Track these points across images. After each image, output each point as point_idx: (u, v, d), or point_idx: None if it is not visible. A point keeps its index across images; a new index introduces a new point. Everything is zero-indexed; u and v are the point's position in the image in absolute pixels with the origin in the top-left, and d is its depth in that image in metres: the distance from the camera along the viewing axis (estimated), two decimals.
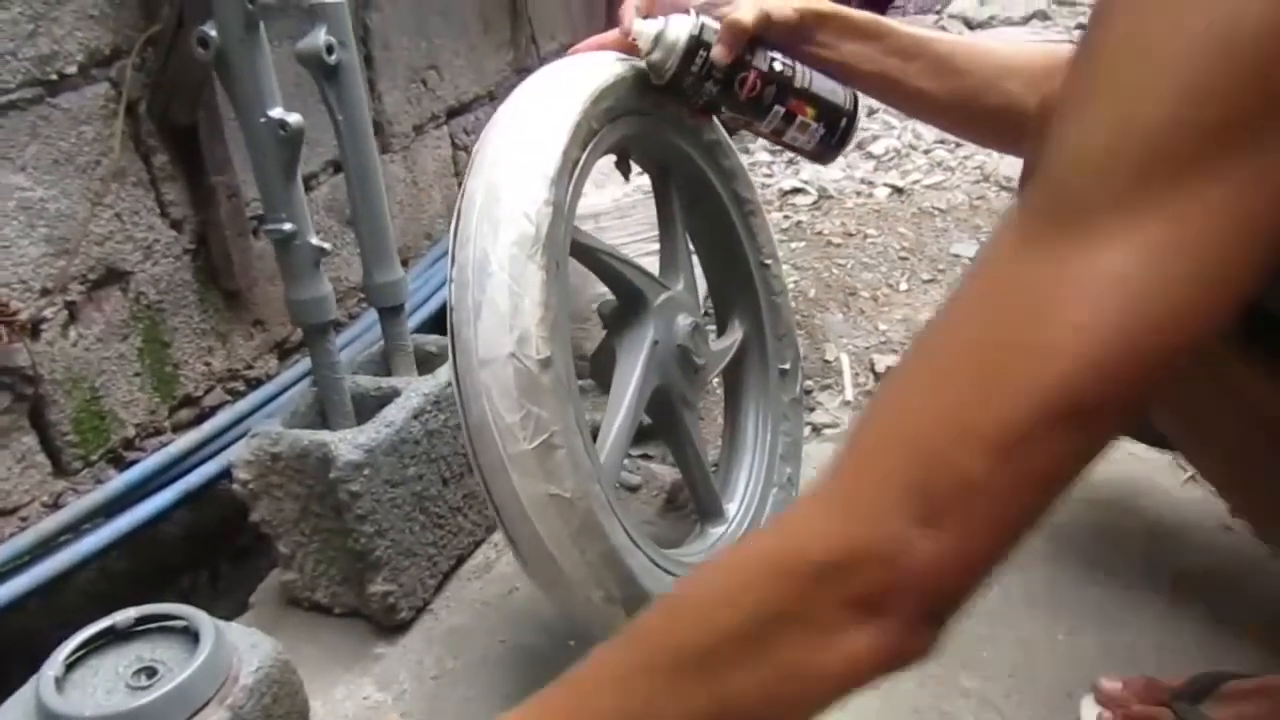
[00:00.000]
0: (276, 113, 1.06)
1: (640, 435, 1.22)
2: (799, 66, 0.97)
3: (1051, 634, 1.06)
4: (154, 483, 1.32)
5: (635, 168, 1.13)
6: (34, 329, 1.22)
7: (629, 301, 1.02)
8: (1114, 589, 1.12)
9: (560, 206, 0.84)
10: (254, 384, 1.56)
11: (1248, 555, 1.14)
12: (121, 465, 1.35)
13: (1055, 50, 0.94)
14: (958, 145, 2.37)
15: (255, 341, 1.58)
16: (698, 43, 0.93)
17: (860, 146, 2.41)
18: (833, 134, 1.00)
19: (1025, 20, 3.36)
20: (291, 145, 1.07)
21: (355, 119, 1.18)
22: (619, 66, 0.95)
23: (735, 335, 1.20)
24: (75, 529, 1.24)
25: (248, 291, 1.53)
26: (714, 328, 1.30)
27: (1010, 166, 2.25)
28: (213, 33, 1.03)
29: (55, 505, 1.26)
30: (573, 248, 0.92)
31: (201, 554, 1.48)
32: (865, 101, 2.72)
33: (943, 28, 3.33)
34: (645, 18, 0.95)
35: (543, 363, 0.80)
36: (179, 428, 1.44)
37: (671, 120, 1.05)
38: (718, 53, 0.93)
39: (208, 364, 1.49)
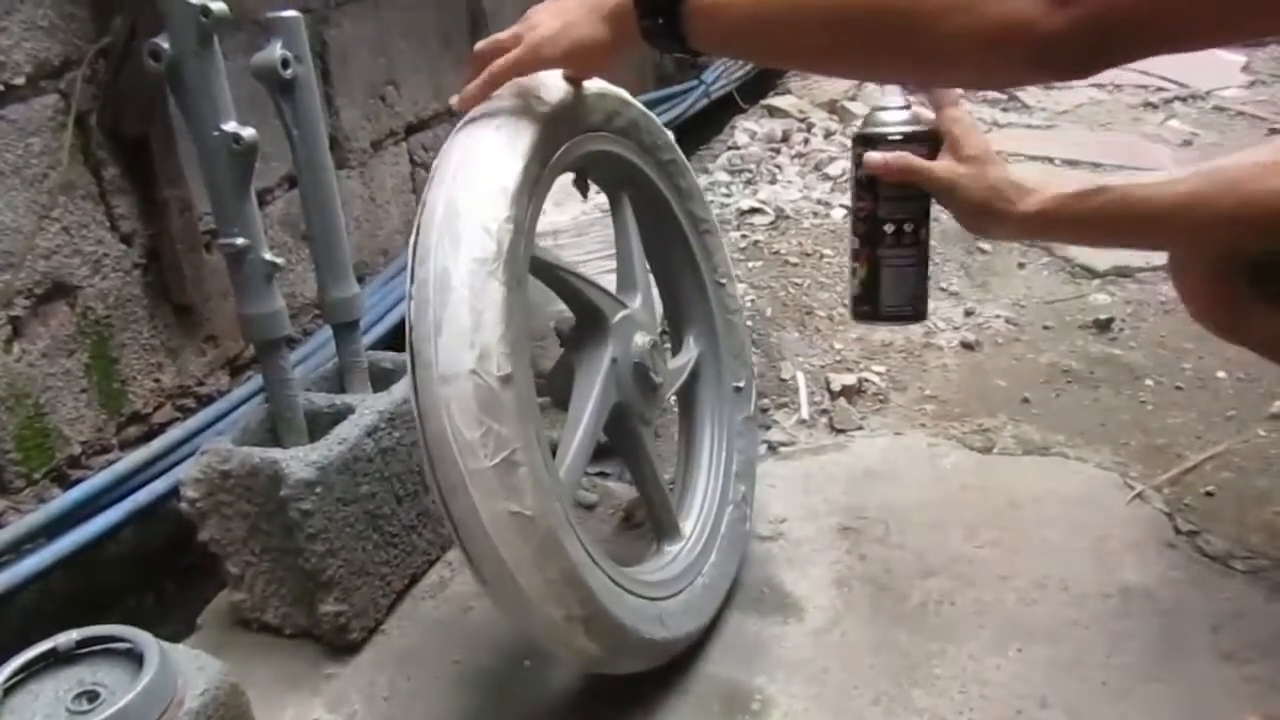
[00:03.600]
0: (230, 126, 1.04)
1: (597, 453, 1.22)
2: (908, 247, 0.95)
3: (1002, 650, 1.07)
4: (99, 501, 1.29)
5: (593, 186, 1.13)
6: None
7: (587, 319, 1.02)
8: (1062, 604, 1.13)
9: (521, 223, 0.84)
10: (205, 401, 1.53)
11: (1191, 570, 1.17)
12: (66, 483, 1.32)
13: None
14: None
15: (207, 358, 1.56)
16: (882, 139, 0.93)
17: (817, 168, 2.44)
18: (860, 304, 0.99)
19: None
20: (245, 159, 1.06)
21: (311, 134, 1.18)
22: (580, 85, 0.95)
23: (691, 353, 1.21)
24: (16, 549, 1.20)
25: (200, 307, 1.50)
26: (670, 346, 1.30)
27: None
28: (165, 45, 1.02)
29: None
30: (532, 264, 0.92)
31: (147, 574, 1.45)
32: (820, 123, 2.72)
33: None
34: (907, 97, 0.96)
35: (504, 379, 0.80)
36: (127, 445, 1.41)
37: (628, 140, 1.05)
38: (870, 161, 0.93)
39: (157, 380, 1.47)
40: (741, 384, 1.25)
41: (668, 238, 1.19)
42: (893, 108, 0.95)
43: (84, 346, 1.34)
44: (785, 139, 2.67)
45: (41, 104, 1.26)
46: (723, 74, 3.37)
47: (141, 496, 1.31)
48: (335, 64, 1.79)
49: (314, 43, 1.73)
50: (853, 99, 2.89)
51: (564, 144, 0.93)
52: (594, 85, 0.98)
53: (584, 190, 1.10)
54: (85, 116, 1.31)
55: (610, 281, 1.13)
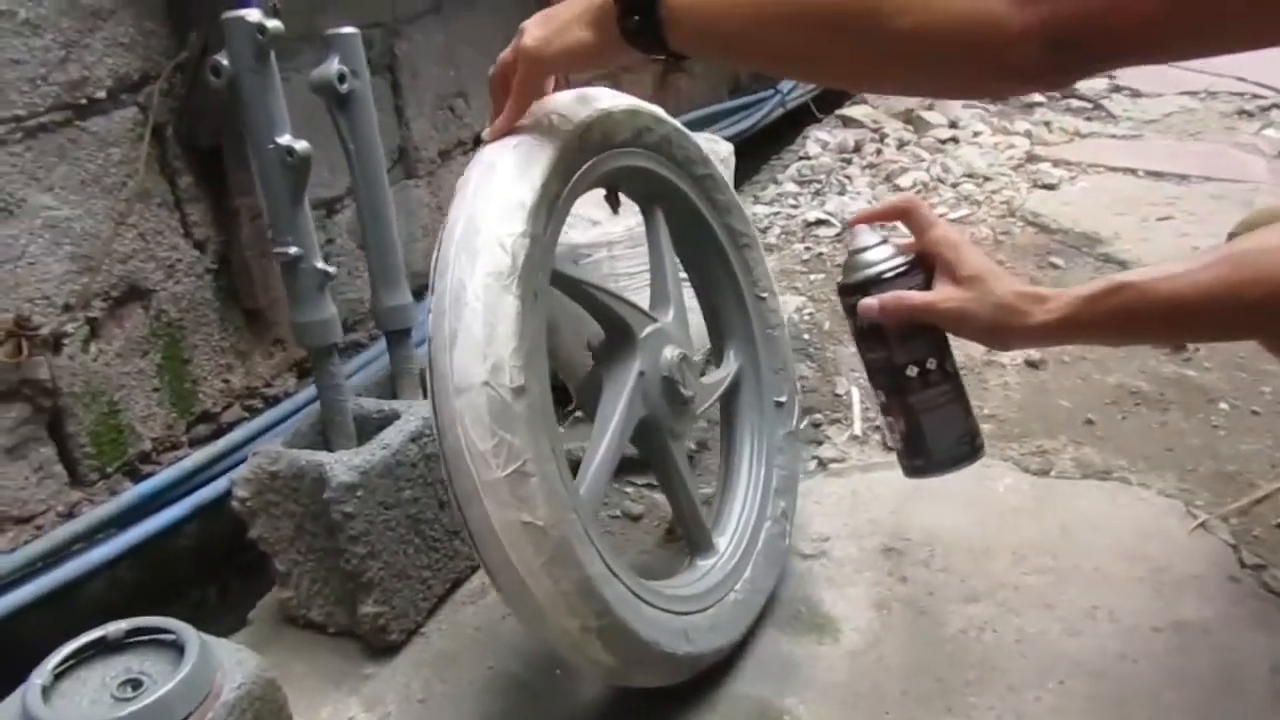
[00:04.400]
0: (284, 139, 1.08)
1: (644, 465, 1.22)
2: (939, 385, 0.88)
3: (1042, 682, 1.04)
4: (167, 496, 1.35)
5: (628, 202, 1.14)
6: (55, 343, 1.25)
7: (616, 334, 1.03)
8: (1110, 636, 1.09)
9: (538, 238, 0.85)
10: (272, 402, 1.59)
11: (1253, 606, 1.11)
12: (138, 478, 1.38)
13: None
14: (986, 179, 2.35)
15: (275, 360, 1.61)
16: (871, 283, 0.88)
17: (888, 179, 2.40)
18: (909, 458, 0.92)
19: None
20: (298, 171, 1.09)
21: (366, 147, 1.21)
22: (605, 101, 0.96)
23: (730, 368, 1.21)
24: (88, 538, 1.26)
25: (268, 311, 1.56)
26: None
27: (1037, 202, 2.23)
28: (225, 61, 1.06)
29: (71, 515, 1.29)
30: (558, 280, 0.93)
31: (212, 569, 1.51)
32: (894, 133, 2.69)
33: None
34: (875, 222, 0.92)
35: (516, 391, 0.81)
36: (196, 443, 1.47)
37: (660, 155, 1.05)
38: (864, 308, 0.87)
39: (226, 381, 1.52)
40: (783, 399, 1.24)
41: (705, 252, 1.19)
42: (871, 246, 0.89)
43: (157, 347, 1.40)
44: (857, 149, 2.63)
45: (121, 116, 1.32)
46: (799, 84, 3.35)
47: (206, 493, 1.36)
48: (405, 77, 1.84)
49: (384, 56, 1.78)
50: (929, 108, 2.84)
51: (588, 160, 0.94)
52: (623, 102, 0.99)
53: (614, 205, 1.11)
54: (162, 128, 1.37)
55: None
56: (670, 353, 1.04)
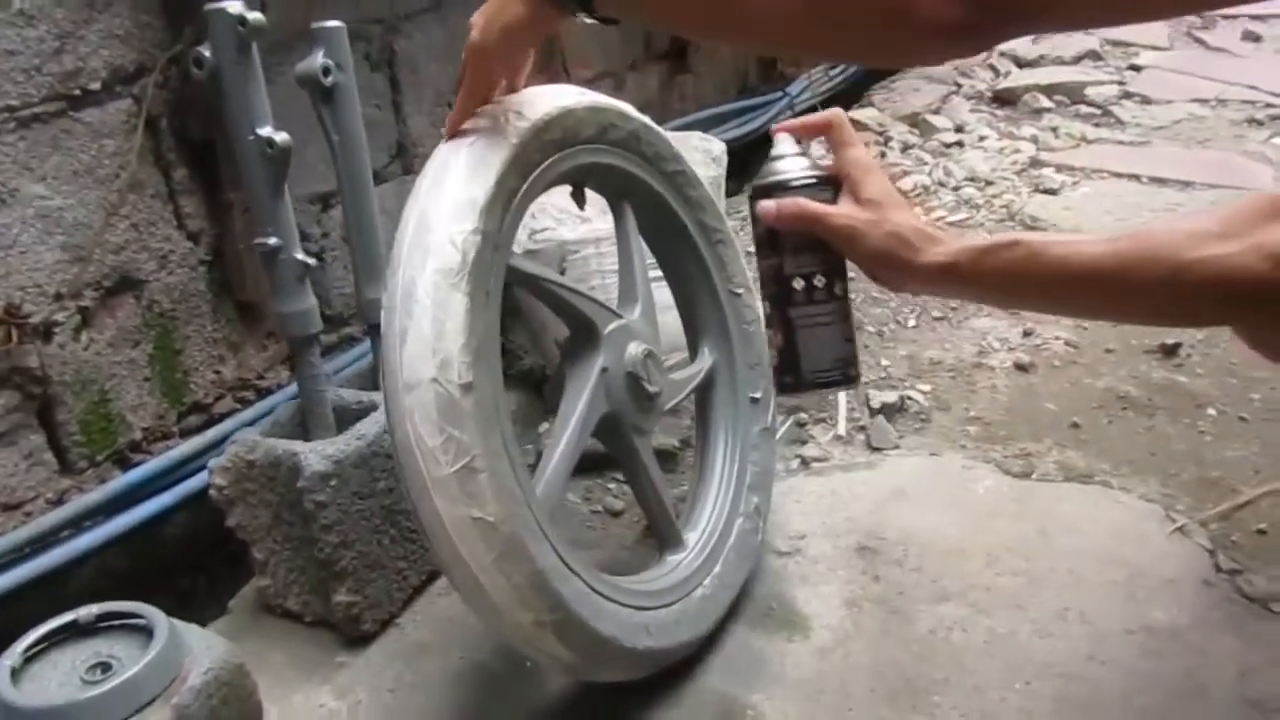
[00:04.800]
0: (265, 131, 1.09)
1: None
2: (823, 304, 0.88)
3: (1009, 682, 1.03)
4: (155, 485, 1.36)
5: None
6: (46, 332, 1.27)
7: (579, 330, 1.03)
8: (1080, 639, 1.09)
9: (491, 235, 0.86)
10: (265, 394, 1.60)
11: (1226, 610, 1.11)
12: (128, 467, 1.39)
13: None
14: (987, 184, 2.34)
15: (268, 353, 1.62)
16: (777, 188, 0.88)
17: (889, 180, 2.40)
18: (780, 373, 0.92)
19: (1076, 60, 3.31)
20: (278, 163, 1.10)
21: (350, 140, 1.22)
22: (568, 99, 0.97)
23: (703, 363, 1.21)
24: (75, 525, 1.28)
25: (261, 303, 1.57)
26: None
27: (1037, 207, 2.22)
28: (207, 53, 1.08)
29: (60, 502, 1.31)
30: (518, 277, 0.93)
31: (201, 558, 1.52)
32: (899, 136, 2.69)
33: (992, 65, 3.30)
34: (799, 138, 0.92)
35: (464, 387, 0.82)
36: (188, 433, 1.48)
37: (629, 152, 1.06)
38: (763, 209, 0.87)
39: (218, 373, 1.54)
40: (758, 395, 1.24)
41: (679, 248, 1.20)
42: (788, 155, 0.89)
43: (149, 338, 1.41)
44: None
45: (115, 108, 1.34)
46: (808, 87, 3.34)
47: (194, 483, 1.38)
48: (404, 73, 1.85)
49: (384, 52, 1.79)
50: (935, 112, 2.83)
51: (549, 157, 0.94)
52: (587, 99, 0.99)
53: (580, 202, 1.11)
54: (156, 120, 1.38)
55: (661, 286, 1.14)
56: (635, 348, 1.04)
